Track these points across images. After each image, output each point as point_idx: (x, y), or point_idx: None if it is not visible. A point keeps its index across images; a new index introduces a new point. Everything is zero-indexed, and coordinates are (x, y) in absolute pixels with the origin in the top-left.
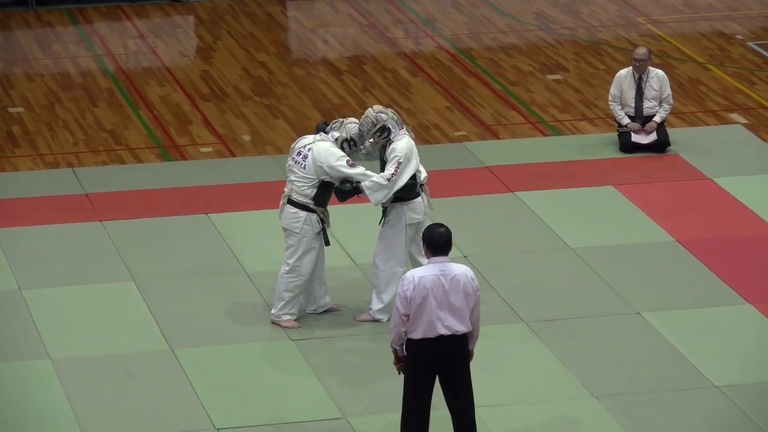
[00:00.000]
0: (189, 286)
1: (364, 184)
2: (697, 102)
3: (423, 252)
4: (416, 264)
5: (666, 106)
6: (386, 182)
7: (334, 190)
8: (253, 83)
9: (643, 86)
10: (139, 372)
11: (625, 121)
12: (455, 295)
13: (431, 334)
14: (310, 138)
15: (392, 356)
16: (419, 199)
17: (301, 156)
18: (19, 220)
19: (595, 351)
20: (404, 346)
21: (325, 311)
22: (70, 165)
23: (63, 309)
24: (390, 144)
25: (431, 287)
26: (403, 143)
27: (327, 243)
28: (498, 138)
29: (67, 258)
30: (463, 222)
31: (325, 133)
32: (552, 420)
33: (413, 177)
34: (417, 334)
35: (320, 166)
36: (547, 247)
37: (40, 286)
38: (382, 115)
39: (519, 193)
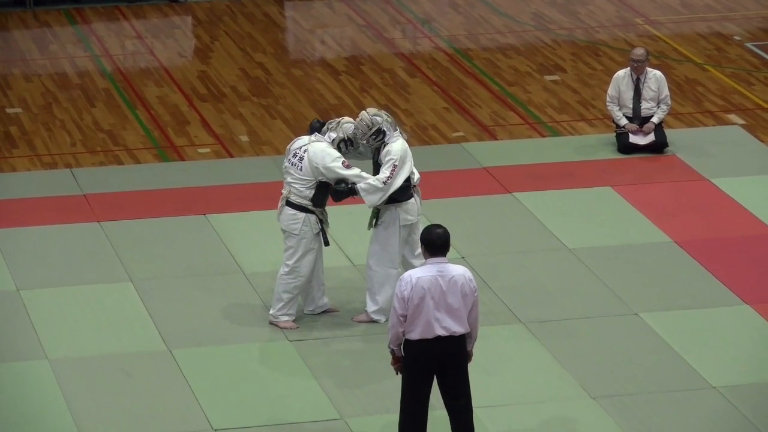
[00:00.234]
0: (187, 286)
1: (360, 186)
2: (694, 103)
3: (416, 254)
4: (408, 266)
5: (664, 107)
6: (382, 185)
7: (329, 190)
8: (250, 84)
9: (641, 87)
10: (137, 372)
11: (623, 121)
12: (453, 296)
13: (429, 335)
14: (305, 139)
15: (390, 357)
16: (413, 200)
17: (297, 157)
18: (17, 221)
19: (593, 352)
20: (402, 347)
21: (323, 312)
22: (68, 165)
23: (61, 309)
24: (384, 146)
25: (429, 288)
26: (397, 145)
27: (326, 243)
28: (496, 139)
29: (65, 258)
30: (461, 223)
31: (321, 133)
32: (549, 421)
33: (407, 179)
34: (415, 335)
35: (316, 167)
36: (544, 248)
37: (37, 287)
38: (377, 118)
39: (517, 194)
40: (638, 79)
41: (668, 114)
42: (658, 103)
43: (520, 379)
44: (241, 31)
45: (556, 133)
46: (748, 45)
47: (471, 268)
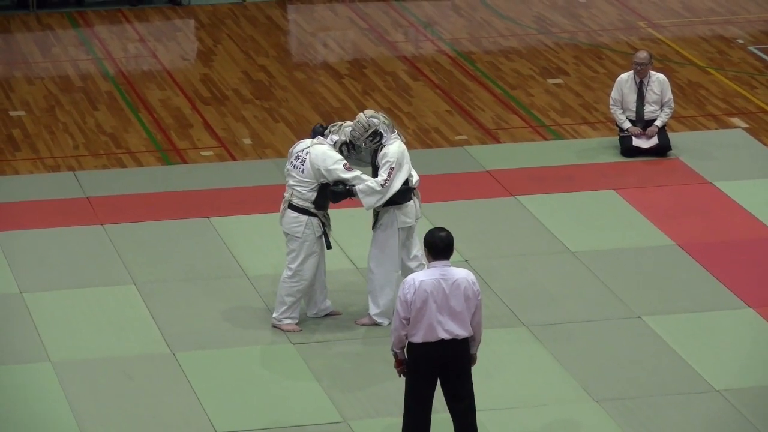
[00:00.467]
0: (190, 289)
1: (358, 187)
2: (697, 106)
3: (411, 256)
4: (405, 268)
5: (667, 110)
6: (380, 188)
7: (327, 191)
8: (253, 87)
9: (644, 90)
10: (139, 375)
11: (626, 125)
12: (456, 300)
13: (432, 338)
14: (307, 142)
15: (393, 359)
16: (411, 202)
17: (299, 160)
18: (20, 223)
19: (596, 355)
20: (405, 350)
21: (326, 315)
22: (71, 168)
23: (64, 312)
24: (381, 148)
25: (431, 291)
26: (394, 148)
27: (329, 246)
28: (498, 142)
29: (68, 261)
30: (464, 225)
31: (323, 136)
32: (552, 424)
33: (406, 182)
34: (417, 338)
35: (318, 169)
36: (547, 251)
37: (40, 290)
38: (374, 120)
39: (520, 197)
40: (641, 82)
41: (671, 117)
42: (662, 107)
43: (522, 382)
44: (244, 34)
45: (558, 136)
46: (751, 48)
47: (474, 271)
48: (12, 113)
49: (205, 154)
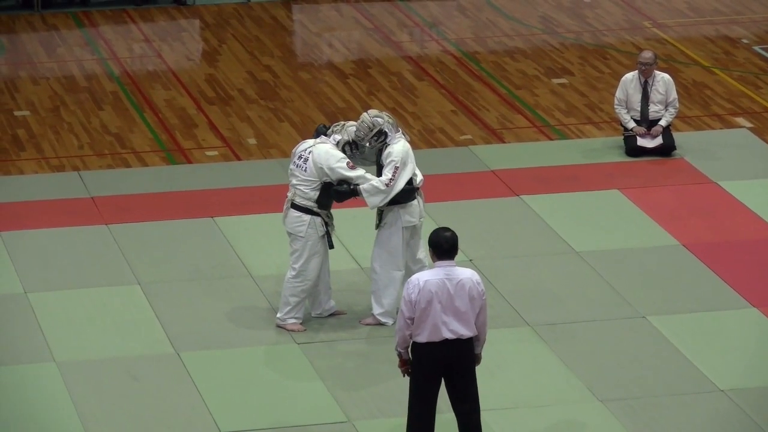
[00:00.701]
0: (194, 289)
1: (362, 187)
2: (702, 106)
3: (415, 258)
4: (409, 271)
5: (672, 110)
6: (384, 187)
7: (332, 191)
8: (258, 87)
9: (649, 90)
10: (144, 375)
11: (631, 124)
12: (460, 300)
13: (436, 338)
14: (310, 141)
15: (397, 359)
16: (415, 202)
17: (302, 159)
18: (25, 223)
19: (600, 355)
20: (410, 350)
21: (330, 315)
22: (76, 168)
23: (68, 312)
24: (386, 148)
25: (436, 291)
26: (398, 147)
27: (331, 246)
28: (503, 142)
29: (72, 261)
30: (469, 225)
31: (326, 135)
32: (556, 424)
33: (410, 182)
34: (422, 338)
35: (321, 168)
36: (552, 251)
37: (45, 290)
38: (378, 119)
39: (524, 197)
40: (646, 82)
41: (676, 117)
42: (666, 106)
43: (527, 381)
44: (249, 35)
45: (563, 136)
46: (756, 48)
47: (478, 271)
48: (17, 113)
49: (209, 154)
